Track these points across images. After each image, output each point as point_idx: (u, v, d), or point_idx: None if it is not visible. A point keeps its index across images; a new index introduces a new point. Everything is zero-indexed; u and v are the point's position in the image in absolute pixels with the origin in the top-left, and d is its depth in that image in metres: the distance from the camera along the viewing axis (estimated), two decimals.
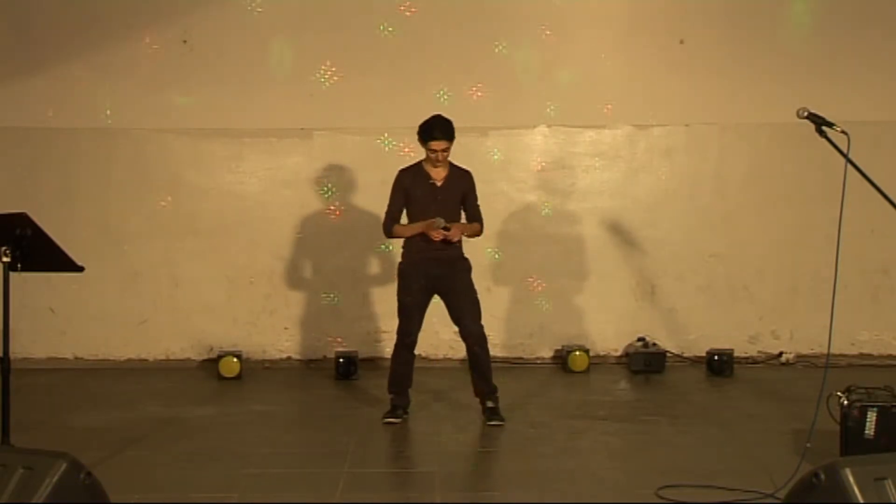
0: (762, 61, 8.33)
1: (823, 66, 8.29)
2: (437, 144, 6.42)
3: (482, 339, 6.59)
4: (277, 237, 8.37)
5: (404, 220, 6.67)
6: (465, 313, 6.54)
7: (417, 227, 6.51)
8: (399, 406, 6.71)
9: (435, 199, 6.50)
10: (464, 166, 6.65)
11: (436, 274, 6.53)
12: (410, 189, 6.55)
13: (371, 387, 7.66)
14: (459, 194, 6.57)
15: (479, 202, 6.67)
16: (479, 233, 6.70)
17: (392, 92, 8.25)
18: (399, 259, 6.71)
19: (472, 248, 6.83)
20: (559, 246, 8.45)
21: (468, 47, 8.31)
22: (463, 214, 6.65)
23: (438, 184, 6.53)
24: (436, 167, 6.52)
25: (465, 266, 6.63)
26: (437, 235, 6.41)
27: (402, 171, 6.62)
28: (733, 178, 8.47)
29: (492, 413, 6.62)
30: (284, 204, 8.36)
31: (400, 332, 6.62)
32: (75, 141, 8.32)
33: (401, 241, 6.70)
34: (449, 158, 6.53)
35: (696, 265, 8.48)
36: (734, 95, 8.35)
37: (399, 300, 6.62)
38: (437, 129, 6.42)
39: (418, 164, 6.60)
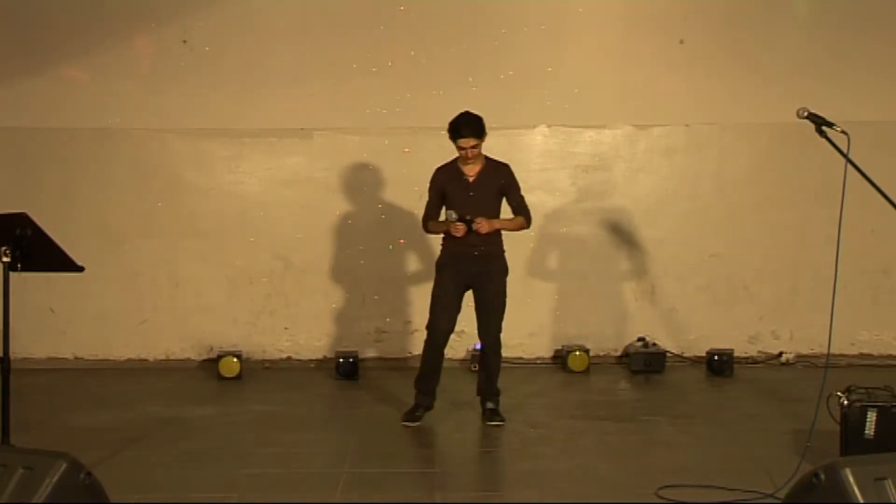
0: (762, 61, 8.33)
1: (823, 66, 8.28)
2: (466, 142, 6.39)
3: (497, 345, 6.64)
4: (277, 237, 8.37)
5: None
6: (489, 317, 6.59)
7: (443, 227, 6.52)
8: (421, 406, 6.67)
9: (467, 195, 6.49)
10: (501, 159, 6.66)
11: (472, 271, 6.54)
12: (445, 186, 6.54)
13: (371, 387, 7.66)
14: (494, 188, 6.55)
15: (522, 194, 6.64)
16: (523, 226, 6.67)
17: (392, 92, 8.24)
18: (438, 255, 6.73)
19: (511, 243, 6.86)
20: (559, 246, 8.45)
21: (468, 47, 8.30)
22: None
23: (471, 179, 6.52)
24: (466, 165, 6.50)
25: (501, 267, 6.65)
26: (456, 231, 6.39)
27: (438, 170, 6.61)
28: (733, 178, 8.47)
29: (492, 413, 6.65)
30: (284, 204, 8.36)
31: (429, 328, 6.61)
32: (75, 141, 8.32)
33: (435, 239, 6.78)
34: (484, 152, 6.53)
35: (696, 265, 8.47)
36: (734, 95, 8.34)
37: (433, 295, 6.64)
38: (464, 127, 6.39)
39: (453, 161, 6.58)
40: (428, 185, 6.64)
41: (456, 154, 6.53)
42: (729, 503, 5.16)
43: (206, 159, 8.37)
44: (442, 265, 6.64)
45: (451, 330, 6.62)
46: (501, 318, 6.64)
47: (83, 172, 8.33)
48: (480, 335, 6.68)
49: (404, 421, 6.61)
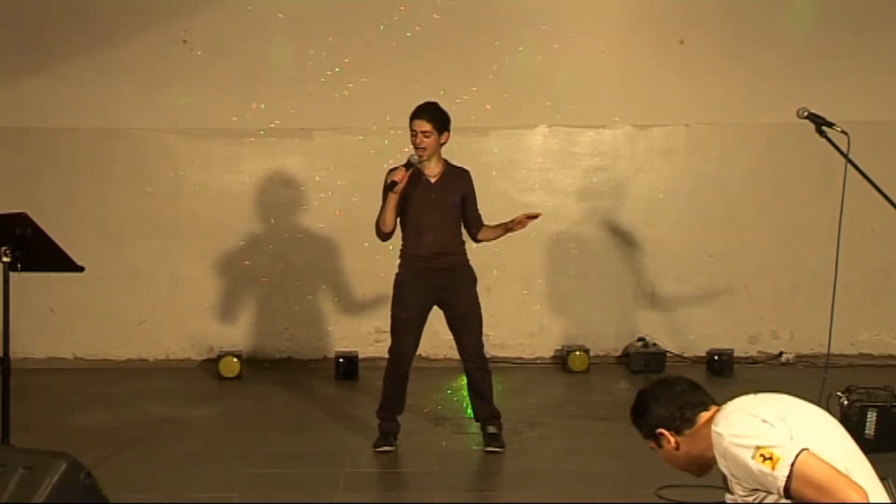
0: (762, 61, 8.33)
1: (823, 66, 8.28)
2: (418, 124, 5.90)
3: (482, 361, 6.14)
4: (277, 237, 8.38)
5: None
6: (466, 333, 6.07)
7: (389, 207, 5.95)
8: (390, 433, 6.15)
9: (430, 198, 6.02)
10: (462, 165, 6.26)
11: (438, 286, 6.02)
12: (404, 187, 5.98)
13: (371, 387, 7.65)
14: (457, 194, 6.08)
15: (478, 205, 6.19)
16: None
17: (392, 92, 8.23)
18: (396, 270, 6.20)
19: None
20: (559, 246, 8.45)
21: (468, 47, 8.30)
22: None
23: (433, 181, 6.04)
24: (421, 158, 5.96)
25: (470, 277, 6.13)
26: (398, 177, 5.86)
27: (393, 169, 6.06)
28: (733, 178, 8.47)
29: (491, 438, 6.14)
30: (284, 204, 8.36)
31: (392, 352, 6.11)
32: (75, 141, 8.32)
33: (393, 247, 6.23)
34: (445, 157, 6.10)
35: (696, 265, 8.47)
36: (734, 95, 8.34)
37: (392, 315, 6.08)
38: (421, 108, 5.94)
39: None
40: (382, 185, 6.07)
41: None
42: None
43: (206, 159, 8.37)
44: (404, 282, 6.07)
45: (415, 351, 6.14)
46: (481, 332, 6.11)
47: (83, 172, 8.33)
48: (462, 355, 6.12)
49: (378, 448, 6.09)
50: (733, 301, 8.48)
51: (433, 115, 5.95)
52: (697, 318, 8.45)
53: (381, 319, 8.34)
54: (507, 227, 6.13)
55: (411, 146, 6.06)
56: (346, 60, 8.28)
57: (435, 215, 6.03)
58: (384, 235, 6.10)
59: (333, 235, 8.37)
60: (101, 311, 8.37)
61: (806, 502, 3.15)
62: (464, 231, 6.26)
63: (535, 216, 6.09)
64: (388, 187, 5.95)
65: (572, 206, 8.43)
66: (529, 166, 8.43)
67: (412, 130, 5.97)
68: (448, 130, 6.04)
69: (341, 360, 8.04)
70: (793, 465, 3.16)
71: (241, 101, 8.28)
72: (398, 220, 6.10)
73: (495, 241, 6.42)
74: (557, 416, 6.93)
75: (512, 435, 6.35)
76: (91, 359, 8.39)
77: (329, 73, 8.29)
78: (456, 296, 6.08)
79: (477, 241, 6.31)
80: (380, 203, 6.13)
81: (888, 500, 3.31)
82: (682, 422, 3.54)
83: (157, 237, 8.36)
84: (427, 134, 5.93)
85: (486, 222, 6.27)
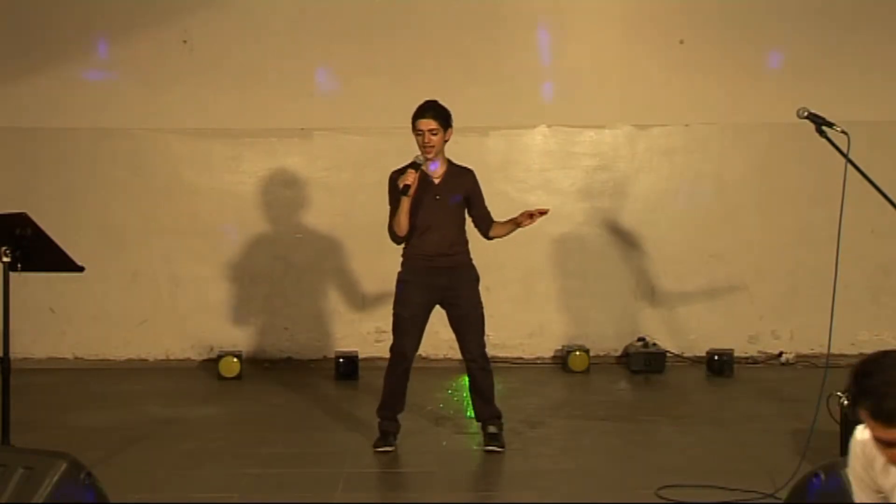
0: (762, 61, 8.33)
1: (823, 66, 8.29)
2: (425, 123, 5.88)
3: (484, 360, 6.11)
4: (277, 237, 8.38)
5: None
6: (469, 333, 6.06)
7: (402, 210, 5.90)
8: (390, 433, 6.13)
9: (433, 199, 5.99)
10: (465, 164, 6.25)
11: (440, 285, 6.00)
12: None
13: (371, 387, 7.65)
14: (461, 193, 6.06)
15: (485, 202, 6.17)
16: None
17: (392, 92, 8.24)
18: (397, 270, 6.16)
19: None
20: (559, 246, 8.45)
21: (468, 47, 8.31)
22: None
23: (437, 181, 6.03)
24: (427, 158, 5.93)
25: (473, 276, 6.11)
26: (409, 180, 5.81)
27: (396, 172, 6.07)
28: (733, 178, 8.47)
29: (492, 438, 6.13)
30: (284, 204, 8.36)
31: (394, 351, 6.07)
32: (75, 141, 8.32)
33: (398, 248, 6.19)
34: (448, 157, 6.13)
35: (696, 265, 8.47)
36: (734, 95, 8.34)
37: (395, 314, 6.06)
38: (423, 108, 5.93)
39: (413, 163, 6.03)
40: (388, 190, 6.06)
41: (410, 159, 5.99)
42: (729, 503, 5.16)
43: (206, 159, 8.38)
44: (405, 281, 6.06)
45: (417, 350, 6.11)
46: (483, 332, 6.09)
47: (83, 172, 8.33)
48: (464, 355, 6.11)
49: (378, 448, 6.08)
50: (733, 301, 8.48)
51: (437, 113, 5.94)
52: (697, 318, 8.45)
53: (382, 319, 8.36)
54: (516, 222, 6.11)
55: (411, 145, 6.05)
56: (347, 60, 8.28)
57: (439, 215, 6.02)
58: (398, 238, 6.09)
59: (334, 235, 8.37)
60: (101, 311, 8.37)
61: None
62: (467, 230, 6.24)
63: (544, 212, 6.05)
64: (402, 191, 5.91)
65: (572, 207, 8.44)
66: (529, 166, 8.43)
67: (418, 131, 5.94)
68: (451, 126, 6.04)
69: (341, 360, 8.04)
70: None
71: (241, 101, 8.28)
72: None
73: (496, 241, 6.40)
74: (557, 416, 6.93)
75: (512, 435, 6.35)
76: (91, 359, 8.40)
77: (329, 73, 8.29)
78: (458, 295, 6.06)
79: (489, 238, 6.29)
80: (382, 203, 6.15)
81: None
82: None
83: (157, 237, 8.36)
84: (434, 132, 5.91)
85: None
